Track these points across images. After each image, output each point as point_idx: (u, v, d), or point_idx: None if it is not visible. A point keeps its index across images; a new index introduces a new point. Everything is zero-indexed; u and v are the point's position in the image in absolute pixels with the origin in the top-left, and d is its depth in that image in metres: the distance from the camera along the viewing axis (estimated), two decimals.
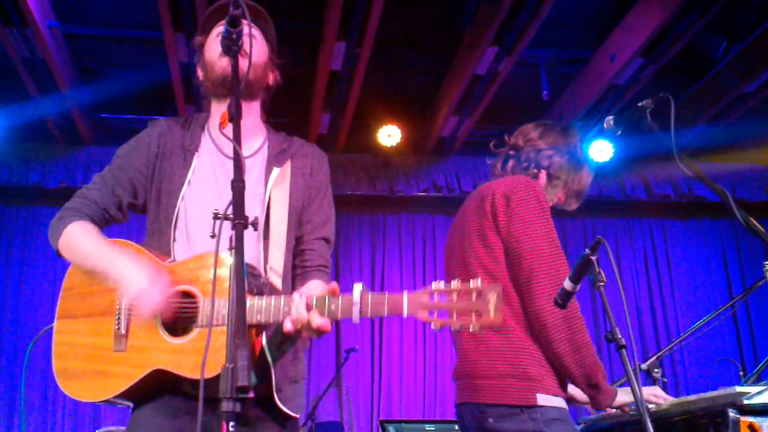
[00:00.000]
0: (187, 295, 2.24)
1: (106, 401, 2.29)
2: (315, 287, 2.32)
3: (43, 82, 6.50)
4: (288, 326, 2.10)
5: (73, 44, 6.57)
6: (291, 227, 2.47)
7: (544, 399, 2.59)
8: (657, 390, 3.07)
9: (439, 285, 2.03)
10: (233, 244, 1.82)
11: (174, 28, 5.77)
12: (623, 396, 2.84)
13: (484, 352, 2.70)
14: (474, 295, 1.99)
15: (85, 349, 2.30)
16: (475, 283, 2.00)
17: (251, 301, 2.13)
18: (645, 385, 3.07)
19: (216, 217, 1.88)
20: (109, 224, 2.50)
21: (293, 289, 2.42)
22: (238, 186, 1.90)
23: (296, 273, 2.51)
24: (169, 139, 2.52)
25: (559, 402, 2.65)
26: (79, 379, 2.29)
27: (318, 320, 2.08)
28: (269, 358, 2.25)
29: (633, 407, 2.86)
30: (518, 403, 2.58)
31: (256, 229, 1.92)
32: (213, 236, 1.86)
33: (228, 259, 1.90)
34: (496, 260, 2.74)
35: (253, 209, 2.36)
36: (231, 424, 1.66)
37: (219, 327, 2.09)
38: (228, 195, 1.92)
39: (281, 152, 2.55)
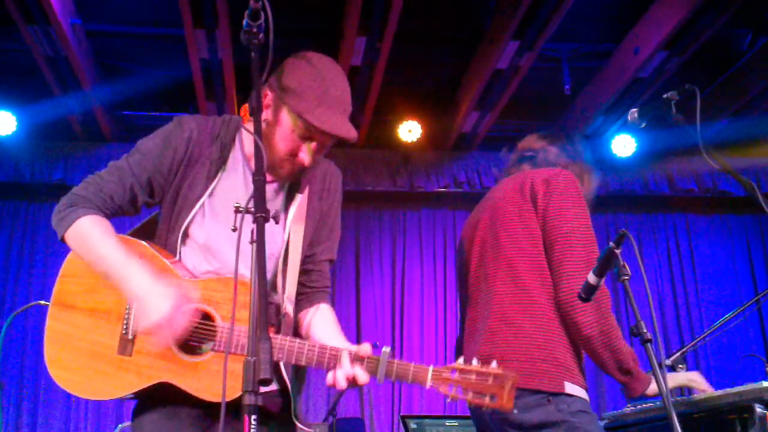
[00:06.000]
0: (204, 315, 2.22)
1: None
2: (332, 330, 2.42)
3: (66, 80, 6.55)
4: (341, 382, 2.16)
5: (95, 42, 6.61)
6: (304, 254, 2.49)
7: (571, 388, 2.58)
8: (697, 376, 3.01)
9: (461, 364, 2.15)
10: (254, 238, 1.81)
11: (195, 24, 5.78)
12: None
13: (514, 334, 2.67)
14: (492, 379, 2.11)
15: (85, 344, 2.26)
16: (495, 369, 2.12)
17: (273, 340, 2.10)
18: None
19: (237, 210, 1.87)
20: (118, 216, 2.42)
21: (298, 308, 2.49)
22: (258, 180, 1.88)
23: (301, 291, 2.52)
24: (197, 147, 2.41)
25: (584, 393, 2.64)
26: (76, 372, 2.26)
27: (363, 377, 2.17)
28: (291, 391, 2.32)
29: (678, 397, 2.85)
30: (546, 389, 2.56)
31: (277, 222, 1.91)
32: (234, 230, 1.84)
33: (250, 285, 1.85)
34: (534, 241, 2.74)
35: (275, 237, 2.39)
36: (253, 417, 1.66)
37: (234, 354, 2.11)
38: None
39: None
